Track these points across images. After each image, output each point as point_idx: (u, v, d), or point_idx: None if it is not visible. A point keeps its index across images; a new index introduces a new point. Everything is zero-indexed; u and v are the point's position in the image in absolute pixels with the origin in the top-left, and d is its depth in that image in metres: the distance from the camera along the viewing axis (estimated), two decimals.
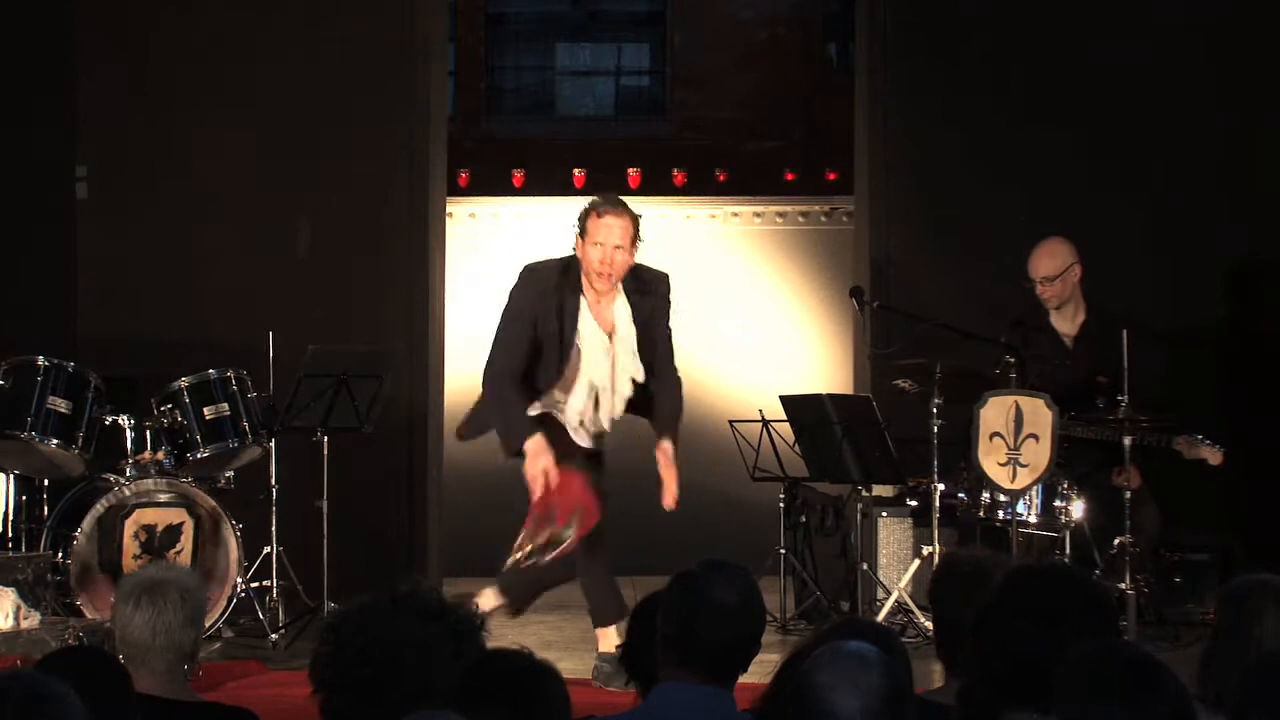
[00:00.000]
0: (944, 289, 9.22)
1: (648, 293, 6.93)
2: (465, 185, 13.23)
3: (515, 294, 6.89)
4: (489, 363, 6.90)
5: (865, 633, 3.28)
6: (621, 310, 6.89)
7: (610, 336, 6.88)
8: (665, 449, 6.84)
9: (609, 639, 6.83)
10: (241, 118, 9.44)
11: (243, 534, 7.92)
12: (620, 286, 6.89)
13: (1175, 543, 8.48)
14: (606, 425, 7.01)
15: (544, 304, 6.81)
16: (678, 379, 7.04)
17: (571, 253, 6.89)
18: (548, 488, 6.67)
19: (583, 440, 7.00)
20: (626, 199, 7.09)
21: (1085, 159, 9.37)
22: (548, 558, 6.67)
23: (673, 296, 7.03)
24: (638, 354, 6.90)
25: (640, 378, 6.93)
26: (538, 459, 6.68)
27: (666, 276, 7.02)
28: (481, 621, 3.22)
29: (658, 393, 6.97)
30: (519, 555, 6.69)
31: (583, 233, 6.80)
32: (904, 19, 9.54)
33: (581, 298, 6.84)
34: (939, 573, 4.21)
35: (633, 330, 6.89)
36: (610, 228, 6.77)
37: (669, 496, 6.82)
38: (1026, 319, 8.28)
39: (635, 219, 6.84)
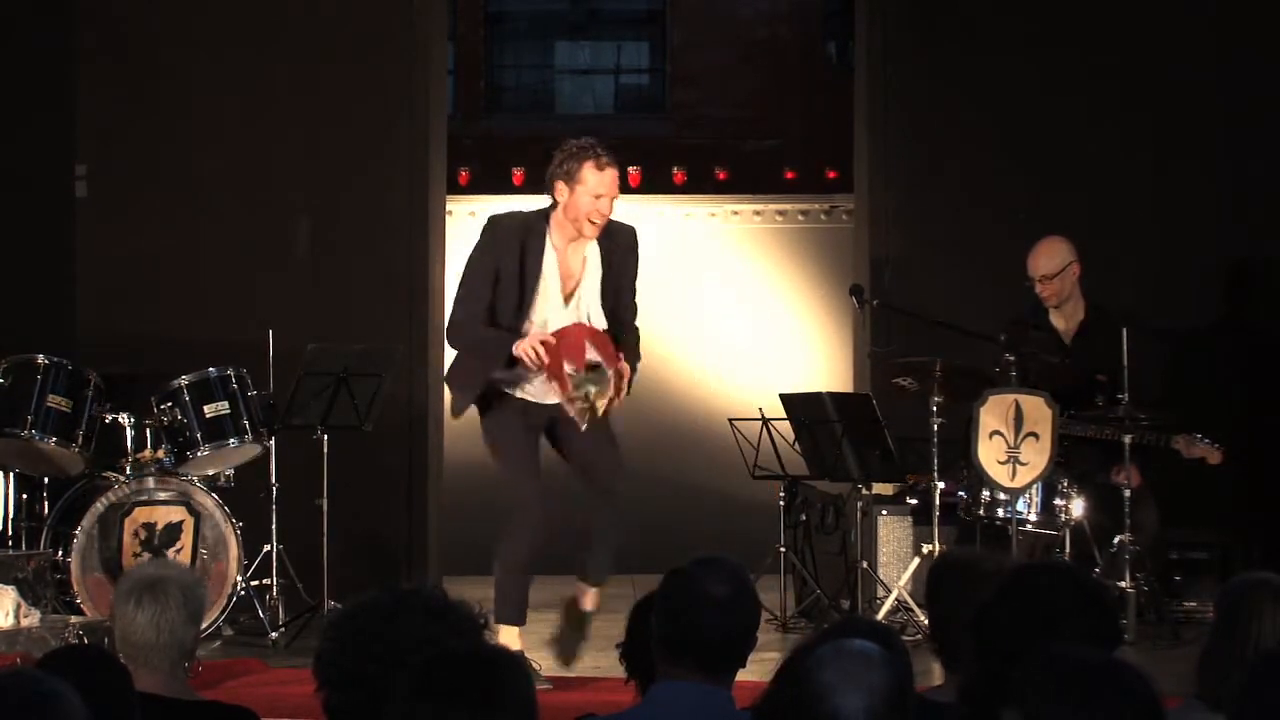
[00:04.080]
0: (944, 287, 9.23)
1: (617, 243, 6.84)
2: (465, 184, 13.23)
3: (479, 246, 6.81)
4: (451, 319, 6.84)
5: (866, 631, 3.28)
6: (592, 258, 6.80)
7: (576, 285, 6.79)
8: None
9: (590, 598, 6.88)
10: (241, 116, 9.44)
11: (243, 532, 7.92)
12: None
13: (1175, 541, 8.48)
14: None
15: (508, 251, 6.73)
16: (638, 335, 6.92)
17: (541, 208, 6.80)
18: (550, 348, 6.57)
19: (548, 395, 6.82)
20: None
21: (1086, 157, 9.38)
22: (600, 414, 6.58)
23: (640, 250, 6.91)
24: (601, 303, 6.80)
25: (603, 326, 6.80)
26: (527, 342, 6.59)
27: (634, 230, 6.93)
28: (485, 620, 3.22)
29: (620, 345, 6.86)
30: (583, 422, 6.63)
31: (574, 179, 6.72)
32: (904, 18, 9.55)
33: (547, 244, 6.76)
34: (934, 571, 4.22)
35: (598, 279, 6.79)
36: (614, 179, 6.74)
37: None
38: (1026, 317, 8.28)
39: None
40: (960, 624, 3.60)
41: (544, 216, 6.79)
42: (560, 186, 6.75)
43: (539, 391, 6.78)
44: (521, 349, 6.59)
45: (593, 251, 6.80)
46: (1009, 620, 3.26)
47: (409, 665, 2.87)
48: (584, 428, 6.63)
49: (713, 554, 3.65)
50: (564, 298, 6.76)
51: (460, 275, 6.85)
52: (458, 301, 6.83)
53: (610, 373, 6.57)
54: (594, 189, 6.70)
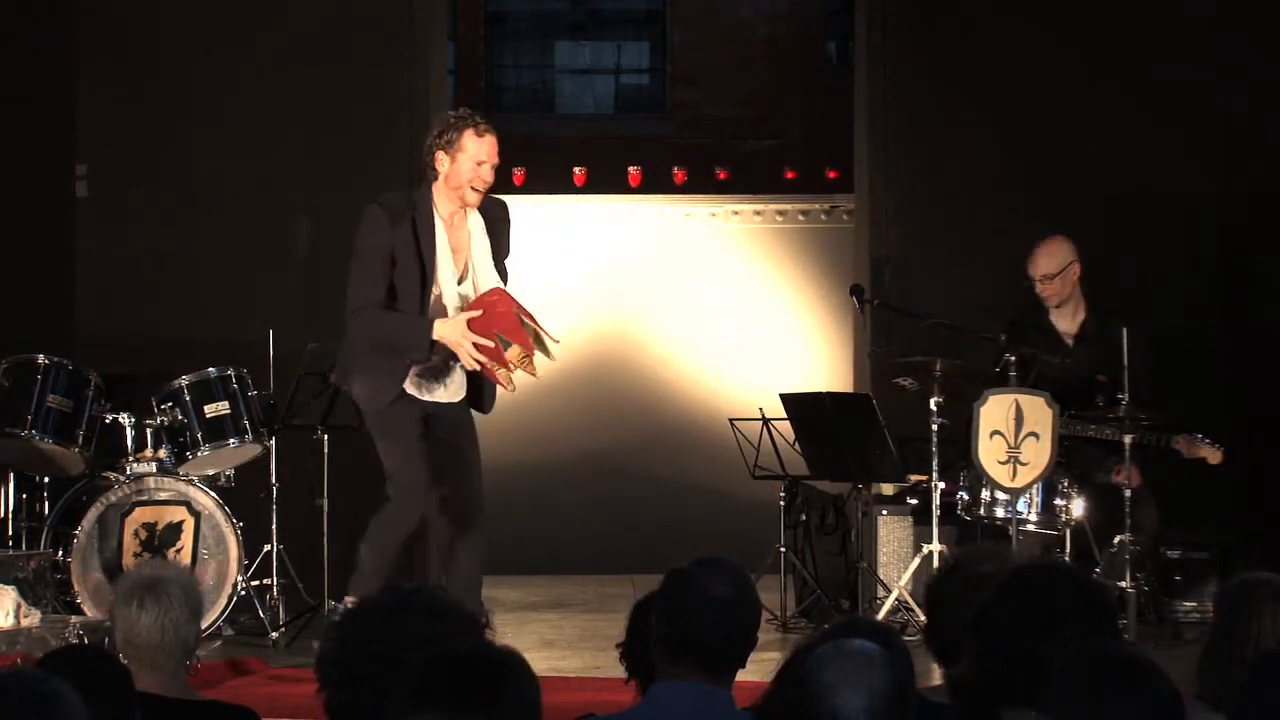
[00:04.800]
0: (944, 287, 9.23)
1: (494, 215, 6.89)
2: None
3: (369, 229, 6.78)
4: (353, 306, 6.75)
5: (867, 631, 3.28)
6: (476, 230, 6.85)
7: (465, 259, 6.84)
8: None
9: None
10: (241, 116, 9.44)
11: (243, 532, 7.92)
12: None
13: (1175, 541, 8.48)
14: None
15: (400, 231, 6.74)
16: None
17: (421, 187, 6.82)
18: (481, 325, 6.61)
19: (445, 394, 6.88)
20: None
21: (1086, 157, 9.37)
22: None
23: (512, 223, 7.00)
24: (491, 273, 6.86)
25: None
26: (454, 324, 6.61)
27: (505, 203, 6.98)
28: (486, 620, 3.22)
29: None
30: (512, 386, 6.68)
31: (455, 147, 6.75)
32: (904, 18, 9.55)
33: (435, 217, 6.79)
34: (941, 573, 4.20)
35: (487, 250, 6.84)
36: (494, 145, 6.78)
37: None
38: (1026, 317, 8.29)
39: None
40: (958, 623, 3.61)
41: (426, 191, 6.83)
42: (441, 157, 6.80)
43: (426, 387, 6.82)
44: (462, 337, 6.59)
45: (476, 223, 6.86)
46: (1009, 620, 3.26)
47: (410, 666, 2.87)
48: (513, 389, 6.70)
49: (714, 554, 3.65)
50: (458, 271, 6.81)
51: (354, 261, 6.82)
52: (356, 288, 6.78)
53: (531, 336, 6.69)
54: (475, 155, 6.76)
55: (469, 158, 6.75)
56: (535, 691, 2.86)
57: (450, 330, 6.64)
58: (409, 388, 6.81)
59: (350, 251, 6.87)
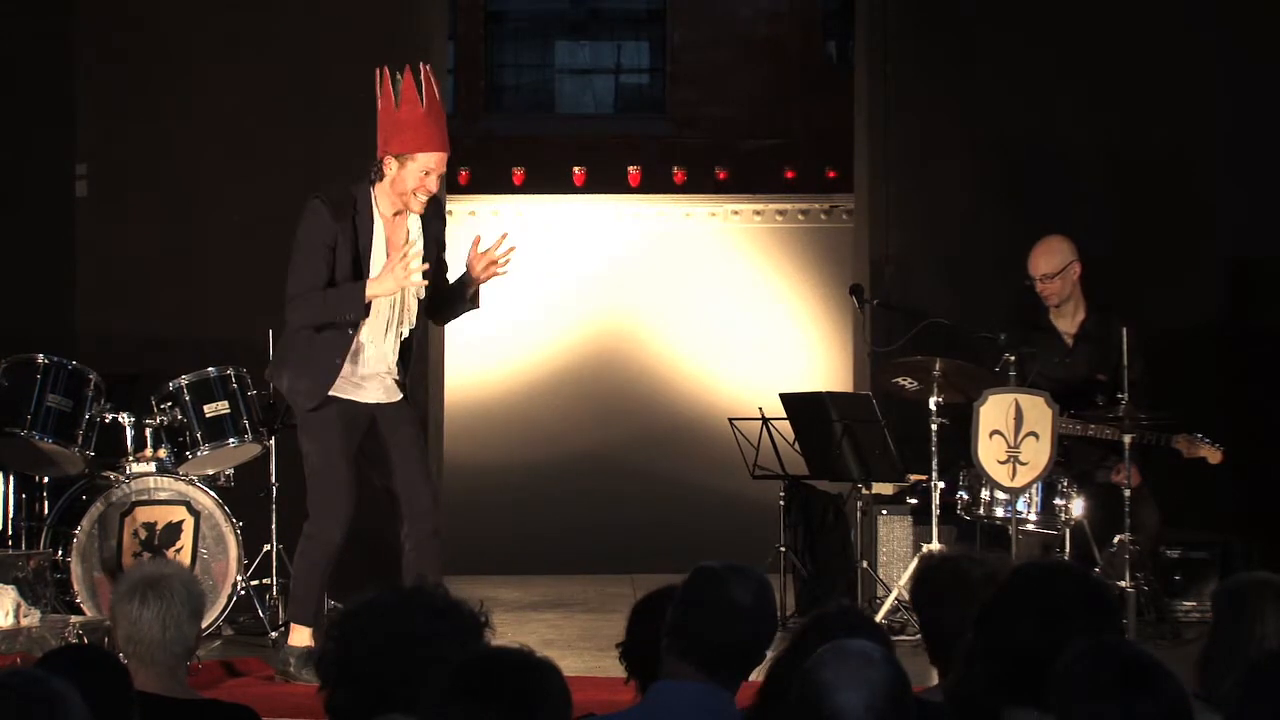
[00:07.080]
0: (944, 287, 9.23)
1: (427, 213, 6.92)
2: (465, 183, 13.23)
3: (312, 220, 6.81)
4: (291, 294, 6.76)
5: (856, 624, 3.29)
6: (414, 230, 6.88)
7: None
8: None
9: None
10: (241, 115, 9.44)
11: (242, 532, 7.92)
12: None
13: (1175, 541, 8.49)
14: (394, 357, 6.93)
15: (342, 224, 6.78)
16: None
17: (361, 181, 6.86)
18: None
19: (383, 395, 6.89)
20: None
21: (1085, 157, 9.38)
22: None
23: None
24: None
25: (423, 294, 6.92)
26: (383, 278, 6.69)
27: (438, 199, 7.04)
28: (487, 619, 3.22)
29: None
30: None
31: (406, 155, 6.76)
32: (904, 17, 9.55)
33: (375, 214, 6.82)
34: (916, 576, 4.21)
35: (421, 248, 6.88)
36: (443, 158, 6.81)
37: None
38: (1026, 317, 8.29)
39: None
40: (950, 626, 3.61)
41: (367, 188, 6.85)
42: (390, 161, 6.81)
43: (362, 389, 6.82)
44: (400, 282, 6.67)
45: (414, 223, 6.89)
46: (1013, 620, 3.26)
47: (453, 663, 2.89)
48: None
49: (744, 564, 3.67)
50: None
51: (296, 253, 6.83)
52: (298, 277, 6.79)
53: None
54: (424, 165, 6.79)
55: (418, 167, 6.78)
56: (567, 694, 2.90)
57: (382, 285, 6.70)
58: (343, 393, 6.80)
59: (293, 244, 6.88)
